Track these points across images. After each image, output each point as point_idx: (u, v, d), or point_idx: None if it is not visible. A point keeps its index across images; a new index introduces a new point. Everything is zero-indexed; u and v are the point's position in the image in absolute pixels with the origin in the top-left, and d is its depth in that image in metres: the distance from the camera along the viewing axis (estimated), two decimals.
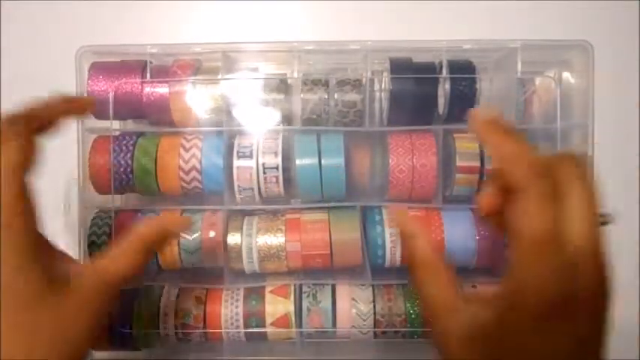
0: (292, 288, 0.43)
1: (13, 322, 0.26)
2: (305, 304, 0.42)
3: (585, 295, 0.25)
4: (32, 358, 0.26)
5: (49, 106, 0.31)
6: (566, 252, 0.26)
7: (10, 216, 0.26)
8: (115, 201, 0.44)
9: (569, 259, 0.26)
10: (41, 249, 0.28)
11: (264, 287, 0.44)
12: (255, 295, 0.43)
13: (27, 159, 0.28)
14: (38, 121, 0.30)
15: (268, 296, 0.43)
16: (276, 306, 0.43)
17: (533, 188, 0.27)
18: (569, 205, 0.26)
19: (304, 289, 0.43)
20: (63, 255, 0.32)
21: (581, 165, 0.28)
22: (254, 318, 0.43)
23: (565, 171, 0.27)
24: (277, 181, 0.42)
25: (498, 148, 0.29)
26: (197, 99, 0.43)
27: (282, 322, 0.42)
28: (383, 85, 0.43)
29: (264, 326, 0.42)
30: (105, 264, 0.30)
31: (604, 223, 0.28)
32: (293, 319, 0.42)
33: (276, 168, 0.42)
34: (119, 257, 0.31)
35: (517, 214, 0.27)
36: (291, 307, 0.42)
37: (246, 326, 0.42)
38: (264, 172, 0.42)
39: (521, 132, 0.31)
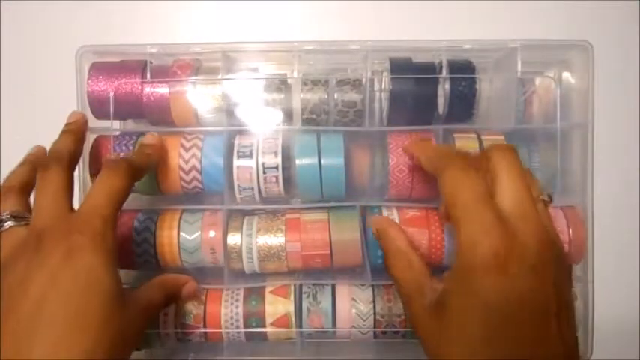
0: (292, 288, 0.43)
1: (93, 309, 0.30)
2: (305, 304, 0.42)
3: (521, 250, 0.28)
4: (97, 349, 0.29)
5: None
6: (490, 209, 0.28)
7: (106, 228, 0.32)
8: None
9: (495, 215, 0.28)
10: (116, 263, 0.33)
11: (264, 287, 0.44)
12: (255, 295, 0.43)
13: (125, 188, 0.35)
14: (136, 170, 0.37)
15: (268, 296, 0.43)
16: (276, 306, 0.43)
17: (455, 161, 0.31)
18: (500, 183, 0.29)
19: (304, 289, 0.43)
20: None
21: (506, 150, 0.31)
22: (254, 318, 0.43)
23: (493, 158, 0.30)
24: (277, 181, 0.42)
25: (425, 152, 0.35)
26: (197, 99, 0.43)
27: (282, 322, 0.42)
28: (383, 85, 0.43)
29: (264, 326, 0.42)
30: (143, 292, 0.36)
31: (545, 203, 0.30)
32: (293, 319, 0.42)
33: (276, 168, 0.42)
34: (151, 290, 0.37)
35: (440, 189, 0.31)
36: (291, 307, 0.42)
37: (246, 326, 0.43)
38: (264, 172, 0.42)
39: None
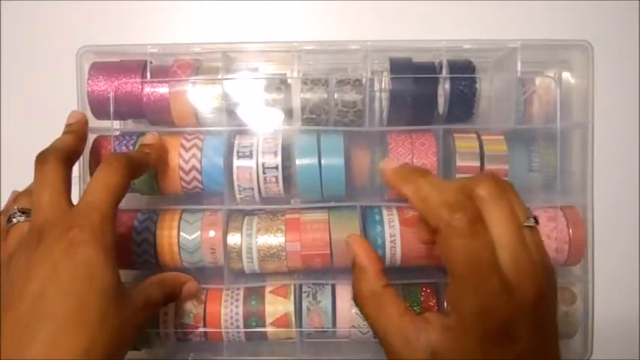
0: (292, 288, 0.43)
1: (92, 305, 0.30)
2: (305, 303, 0.42)
3: (524, 309, 0.27)
4: (95, 346, 0.29)
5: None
6: (495, 275, 0.27)
7: (105, 223, 0.32)
8: None
9: (500, 281, 0.27)
10: (115, 259, 0.33)
11: (264, 287, 0.44)
12: (255, 295, 0.43)
13: (123, 184, 0.35)
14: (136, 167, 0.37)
15: (268, 296, 0.43)
16: (276, 306, 0.43)
17: (449, 226, 0.28)
18: (490, 217, 0.29)
19: (304, 288, 0.43)
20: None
21: (492, 180, 0.30)
22: (254, 318, 0.43)
23: (480, 192, 0.29)
24: (277, 181, 0.42)
25: (412, 196, 0.32)
26: (197, 99, 0.43)
27: (282, 322, 0.42)
28: (383, 85, 0.43)
29: (264, 326, 0.42)
30: (142, 290, 0.36)
31: (531, 226, 0.29)
32: (293, 319, 0.42)
33: (276, 168, 0.42)
34: (150, 288, 0.37)
35: (444, 251, 0.29)
36: (291, 307, 0.42)
37: (246, 326, 0.43)
38: (264, 172, 0.42)
39: (428, 171, 0.34)
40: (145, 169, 0.39)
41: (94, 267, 0.31)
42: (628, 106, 0.50)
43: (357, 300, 0.34)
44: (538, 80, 0.44)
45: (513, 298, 0.27)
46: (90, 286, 0.30)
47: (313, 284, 0.43)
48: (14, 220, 0.35)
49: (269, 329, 0.43)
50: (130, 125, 0.47)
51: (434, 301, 0.43)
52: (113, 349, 0.30)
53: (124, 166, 0.35)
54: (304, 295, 0.43)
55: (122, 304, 0.32)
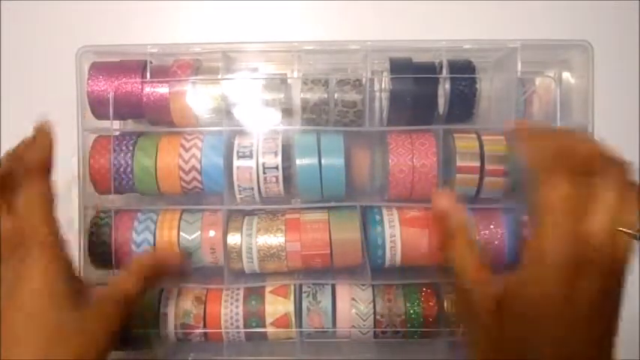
0: (292, 288, 0.43)
1: (46, 317, 0.31)
2: (305, 303, 0.42)
3: (598, 263, 0.28)
4: (51, 353, 0.30)
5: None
6: (582, 228, 0.28)
7: (45, 235, 0.32)
8: (115, 201, 0.44)
9: (584, 232, 0.28)
10: (70, 268, 0.33)
11: (264, 287, 0.44)
12: (255, 295, 0.43)
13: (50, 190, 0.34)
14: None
15: (268, 296, 0.43)
16: (276, 306, 0.43)
17: (562, 169, 0.29)
18: (600, 206, 0.29)
19: (304, 289, 0.43)
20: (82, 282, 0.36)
21: (626, 175, 0.30)
22: (254, 318, 0.43)
23: (610, 176, 0.29)
24: (277, 181, 0.42)
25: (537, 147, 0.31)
26: (197, 99, 0.43)
27: (282, 322, 0.42)
28: (383, 85, 0.43)
29: (264, 326, 0.42)
30: (114, 286, 0.36)
31: (632, 235, 0.29)
32: (293, 319, 0.42)
33: (276, 168, 0.42)
34: (123, 281, 0.36)
35: (546, 187, 0.29)
36: (291, 307, 0.42)
37: (246, 326, 0.43)
38: (264, 172, 0.42)
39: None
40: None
41: (45, 278, 0.31)
42: (628, 106, 0.50)
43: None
44: (538, 80, 0.44)
45: (591, 251, 0.28)
46: (42, 297, 0.31)
47: (313, 284, 0.43)
48: None
49: (269, 329, 0.43)
50: (130, 125, 0.47)
51: (434, 301, 0.43)
52: (82, 351, 0.31)
53: (47, 176, 0.34)
54: (304, 295, 0.43)
55: (84, 307, 0.32)
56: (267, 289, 0.43)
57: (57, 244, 0.33)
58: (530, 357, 0.29)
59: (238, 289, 0.44)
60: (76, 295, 0.32)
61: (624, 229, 0.29)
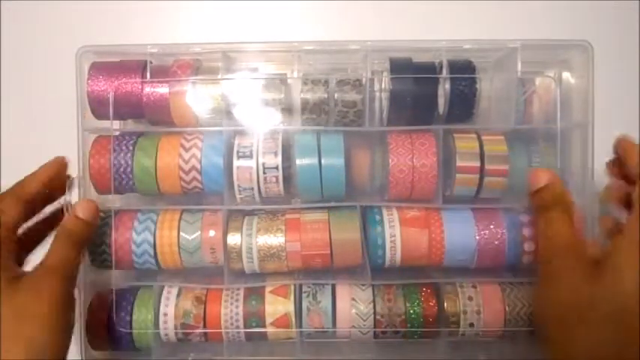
0: (292, 288, 0.43)
1: None
2: (305, 303, 0.42)
3: None
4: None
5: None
6: None
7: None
8: (115, 201, 0.44)
9: None
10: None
11: (264, 287, 0.44)
12: (255, 295, 0.43)
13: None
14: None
15: (268, 296, 0.43)
16: (276, 306, 0.43)
17: None
18: None
19: (304, 288, 0.43)
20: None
21: None
22: (254, 318, 0.43)
23: None
24: (277, 181, 0.42)
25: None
26: (197, 99, 0.43)
27: (282, 322, 0.42)
28: (383, 85, 0.43)
29: (264, 326, 0.42)
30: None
31: None
32: (293, 319, 0.42)
33: (276, 168, 0.42)
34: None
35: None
36: (291, 307, 0.42)
37: (246, 326, 0.43)
38: (264, 172, 0.42)
39: None
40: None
41: None
42: (628, 106, 0.50)
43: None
44: (538, 80, 0.44)
45: None
46: None
47: (313, 284, 0.43)
48: None
49: (269, 329, 0.43)
50: (130, 125, 0.47)
51: (434, 301, 0.43)
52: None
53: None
54: (304, 295, 0.43)
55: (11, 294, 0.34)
56: (267, 289, 0.43)
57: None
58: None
59: (238, 289, 0.44)
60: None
61: None
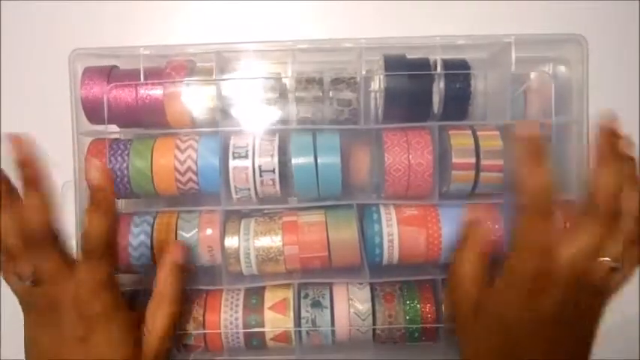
0: (291, 303, 0.43)
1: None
2: (303, 322, 0.42)
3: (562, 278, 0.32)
4: None
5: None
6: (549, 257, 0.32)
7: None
8: None
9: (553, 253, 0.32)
10: None
11: (263, 305, 0.43)
12: (255, 315, 0.43)
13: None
14: None
15: (267, 313, 0.43)
16: (276, 323, 0.42)
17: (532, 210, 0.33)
18: (581, 236, 0.32)
19: (302, 293, 0.43)
20: None
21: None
22: (254, 338, 0.43)
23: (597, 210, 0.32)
24: (273, 181, 0.42)
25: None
26: (192, 100, 0.42)
27: (281, 338, 0.43)
28: (378, 83, 0.43)
29: (264, 344, 0.43)
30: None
31: (612, 268, 0.32)
32: (293, 335, 0.42)
33: (273, 168, 0.41)
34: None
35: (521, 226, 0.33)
36: (290, 324, 0.42)
37: (247, 346, 0.43)
38: (261, 173, 0.42)
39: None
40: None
41: None
42: (624, 100, 0.50)
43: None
44: (533, 75, 0.44)
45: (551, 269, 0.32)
46: None
47: (312, 290, 0.43)
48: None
49: (269, 344, 0.43)
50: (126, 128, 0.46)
51: (432, 299, 0.43)
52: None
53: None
54: (302, 319, 0.43)
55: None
56: (266, 306, 0.43)
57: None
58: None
59: (237, 305, 0.43)
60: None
61: (604, 259, 0.32)
